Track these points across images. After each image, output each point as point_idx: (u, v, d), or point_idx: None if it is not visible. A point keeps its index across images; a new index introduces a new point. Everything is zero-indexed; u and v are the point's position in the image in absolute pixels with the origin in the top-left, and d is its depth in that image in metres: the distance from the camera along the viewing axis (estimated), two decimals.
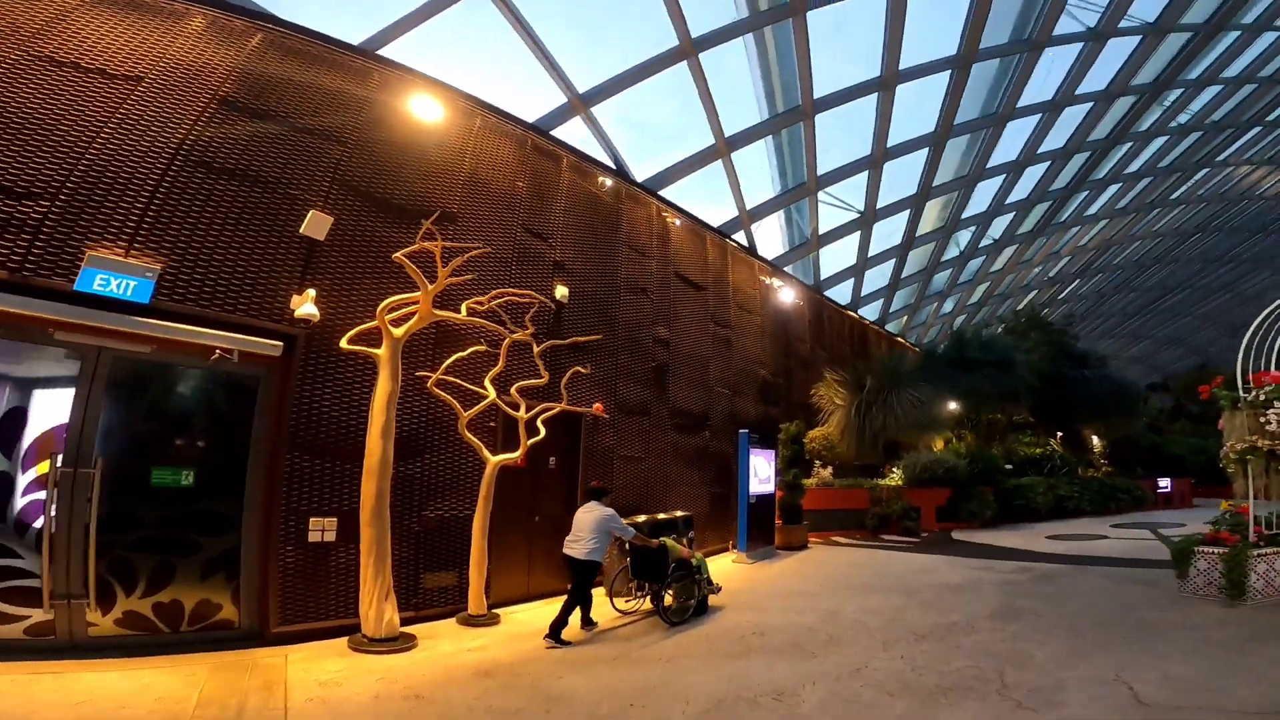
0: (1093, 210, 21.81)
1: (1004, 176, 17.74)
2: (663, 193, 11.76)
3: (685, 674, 4.79)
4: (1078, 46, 13.97)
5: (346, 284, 6.50)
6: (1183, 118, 17.66)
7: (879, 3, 11.42)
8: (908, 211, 17.48)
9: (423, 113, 7.43)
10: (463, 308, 6.72)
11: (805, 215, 16.11)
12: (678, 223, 11.84)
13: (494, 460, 6.80)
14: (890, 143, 14.40)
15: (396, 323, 5.96)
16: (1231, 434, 6.82)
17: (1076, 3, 12.66)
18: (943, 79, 13.58)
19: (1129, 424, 19.26)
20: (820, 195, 15.19)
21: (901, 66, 12.51)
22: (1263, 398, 6.54)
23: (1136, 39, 14.13)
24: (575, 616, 6.11)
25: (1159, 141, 18.61)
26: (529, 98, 10.11)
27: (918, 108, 14.89)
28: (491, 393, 6.99)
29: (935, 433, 17.68)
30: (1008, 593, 7.40)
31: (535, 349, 7.47)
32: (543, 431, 7.34)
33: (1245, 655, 4.49)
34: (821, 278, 18.32)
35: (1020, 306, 25.49)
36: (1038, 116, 15.98)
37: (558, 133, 9.81)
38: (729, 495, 11.73)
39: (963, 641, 5.30)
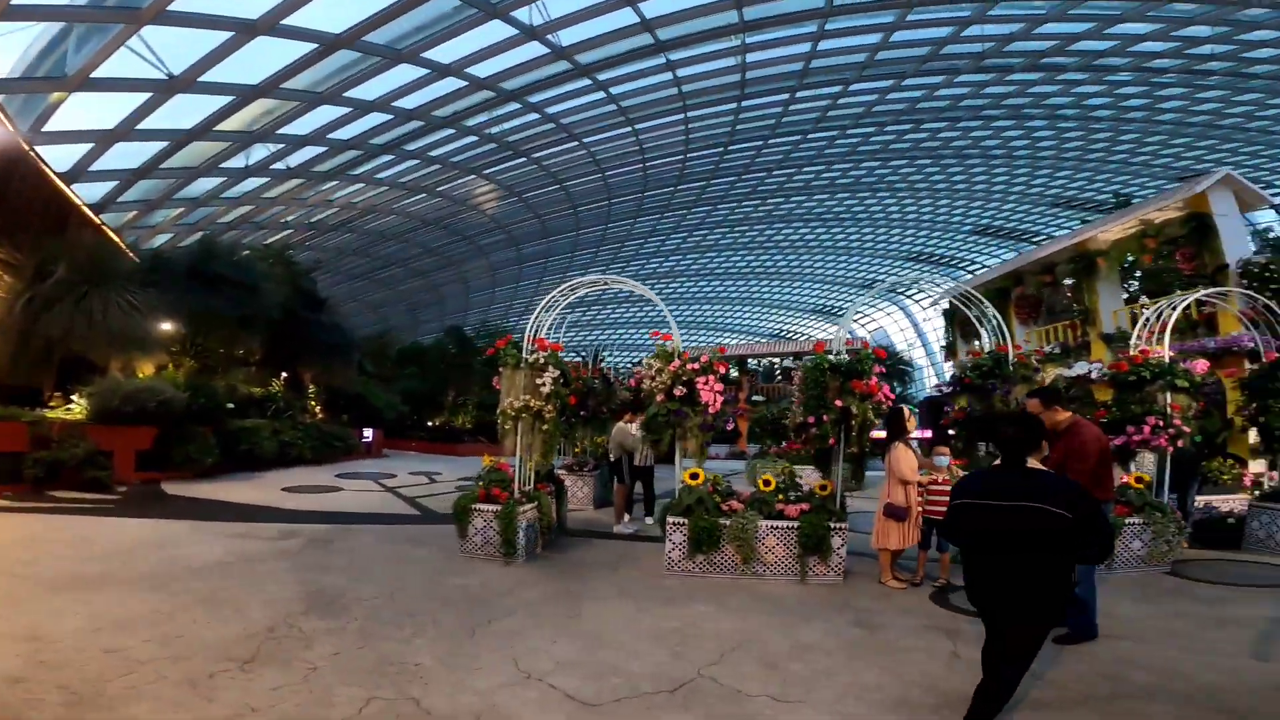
0: (384, 175, 23.07)
1: (349, 110, 16.78)
2: None
3: None
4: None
5: None
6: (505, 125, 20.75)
7: None
8: (231, 99, 14.11)
9: None
10: None
11: (87, 48, 10.90)
12: None
13: None
14: (286, 20, 11.31)
15: None
16: (510, 392, 7.48)
17: None
18: None
19: (346, 372, 20.88)
20: (137, 35, 10.43)
21: None
22: (541, 361, 7.51)
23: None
24: None
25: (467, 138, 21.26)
26: None
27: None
28: None
29: (146, 353, 14.36)
30: (299, 569, 6.24)
31: None
32: None
33: (582, 621, 4.98)
34: (53, 127, 12.72)
35: (271, 241, 24.17)
36: (424, 72, 15.82)
37: None
38: None
39: (312, 659, 3.91)
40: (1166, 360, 7.77)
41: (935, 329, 47.80)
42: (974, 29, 17.28)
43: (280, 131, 17.20)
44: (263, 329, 17.15)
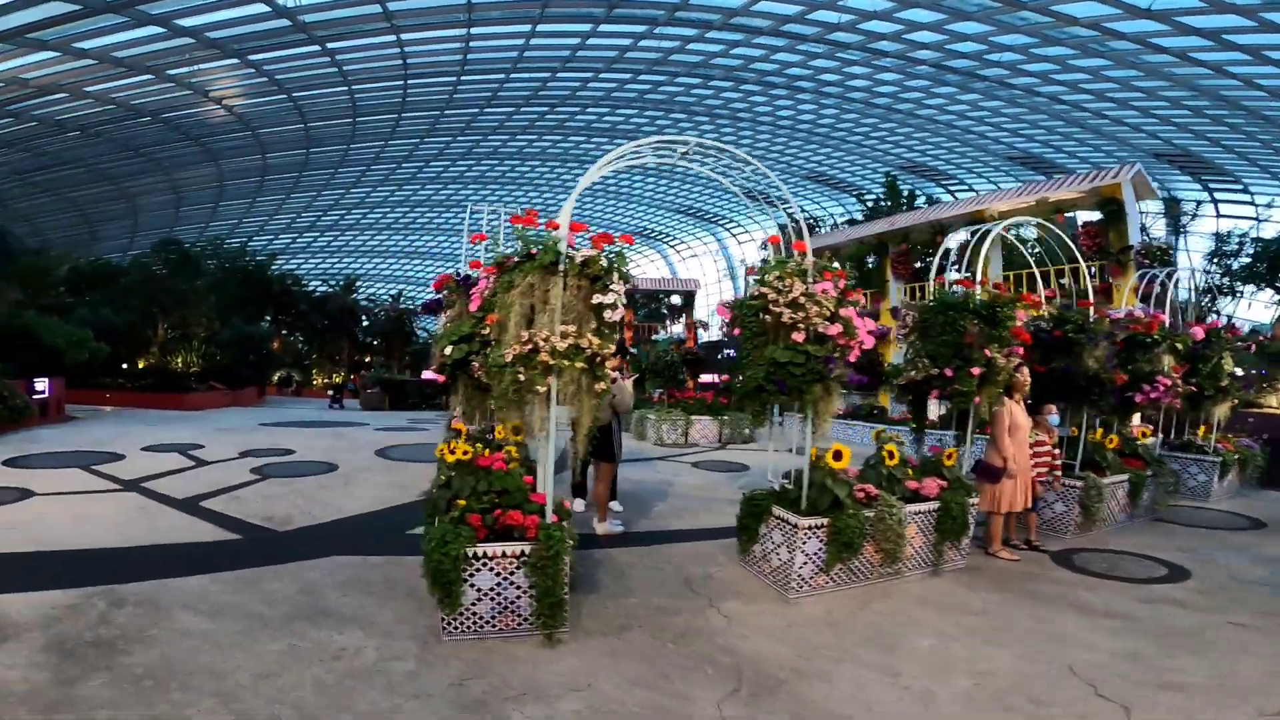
0: (93, 44, 14.44)
1: None
2: None
3: None
4: None
5: None
6: None
7: None
8: None
9: None
10: None
11: None
12: None
13: None
14: None
15: None
16: (535, 320, 3.62)
17: None
18: None
19: None
20: None
21: None
22: (604, 264, 3.63)
23: None
24: None
25: None
26: None
27: None
28: None
29: None
30: None
31: None
32: None
33: None
34: None
35: None
36: None
37: None
38: None
39: None
40: (1166, 325, 7.42)
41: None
42: None
43: None
44: None
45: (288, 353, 32.21)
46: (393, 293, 42.62)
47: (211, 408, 17.32)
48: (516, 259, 3.69)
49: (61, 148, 21.67)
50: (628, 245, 3.87)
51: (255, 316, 24.66)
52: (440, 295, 5.33)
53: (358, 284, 39.39)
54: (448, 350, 4.32)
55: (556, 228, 3.69)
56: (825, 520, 4.29)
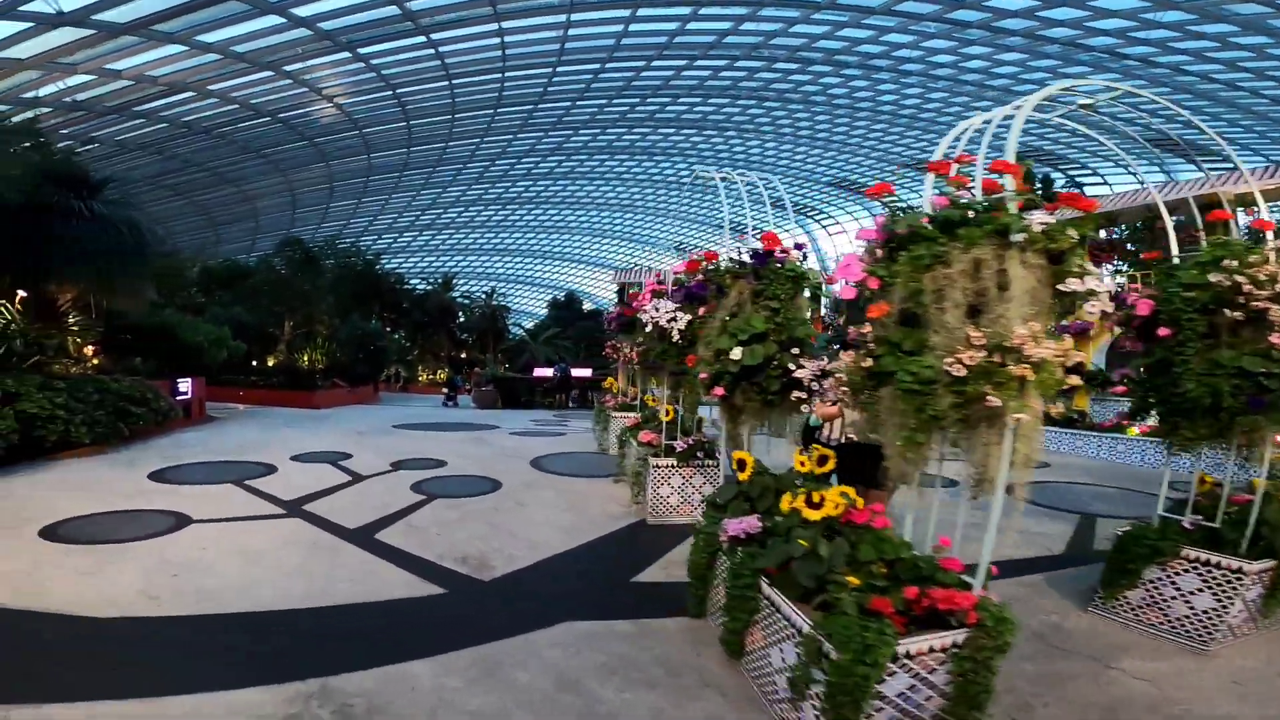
0: (214, 37, 14.05)
1: None
2: None
3: None
4: None
5: None
6: None
7: None
8: None
9: None
10: None
11: None
12: None
13: None
14: None
15: None
16: (1009, 309, 2.20)
17: None
18: None
19: (137, 292, 12.27)
20: None
21: None
22: (1072, 235, 2.26)
23: None
24: None
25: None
26: None
27: None
28: None
29: None
30: None
31: None
32: None
33: None
34: None
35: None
36: None
37: None
38: None
39: None
40: None
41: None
42: None
43: None
44: None
45: (393, 349, 32.61)
46: (486, 290, 42.69)
47: (336, 405, 17.06)
48: (939, 221, 2.25)
49: (189, 151, 22.07)
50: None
51: (366, 314, 24.66)
52: (698, 282, 3.95)
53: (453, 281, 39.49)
54: (736, 353, 2.97)
55: (1004, 172, 2.21)
56: (1273, 563, 3.50)
